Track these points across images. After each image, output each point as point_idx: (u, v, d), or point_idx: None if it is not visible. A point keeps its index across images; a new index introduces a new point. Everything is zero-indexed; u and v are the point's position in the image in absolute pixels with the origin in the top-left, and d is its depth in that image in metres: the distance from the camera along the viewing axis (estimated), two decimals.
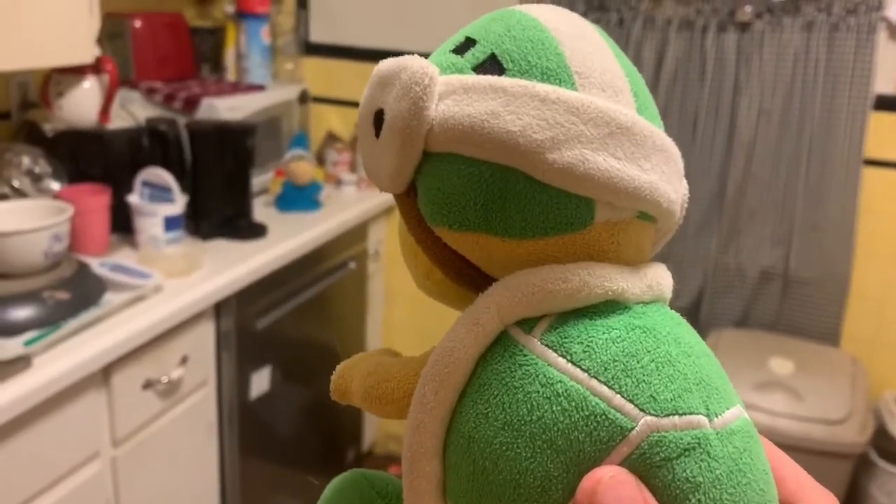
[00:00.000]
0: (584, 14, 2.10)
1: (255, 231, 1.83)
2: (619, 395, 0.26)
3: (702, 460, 0.25)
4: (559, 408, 0.26)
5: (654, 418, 0.25)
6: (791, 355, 1.96)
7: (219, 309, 1.63)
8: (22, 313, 1.30)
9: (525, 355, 0.27)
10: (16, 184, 1.65)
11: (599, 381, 0.26)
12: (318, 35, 2.38)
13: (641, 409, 0.25)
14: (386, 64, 0.30)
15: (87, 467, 1.35)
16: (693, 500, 0.25)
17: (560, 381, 0.26)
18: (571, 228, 0.28)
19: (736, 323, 2.18)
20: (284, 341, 1.92)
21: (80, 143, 1.70)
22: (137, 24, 2.01)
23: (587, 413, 0.25)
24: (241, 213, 1.84)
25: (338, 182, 2.30)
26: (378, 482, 0.37)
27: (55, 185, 1.67)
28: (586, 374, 0.26)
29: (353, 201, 2.22)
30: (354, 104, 2.39)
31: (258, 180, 2.01)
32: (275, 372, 1.85)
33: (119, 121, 1.77)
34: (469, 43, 0.31)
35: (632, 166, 0.29)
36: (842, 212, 2.02)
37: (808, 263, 2.08)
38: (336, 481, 0.38)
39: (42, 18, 1.49)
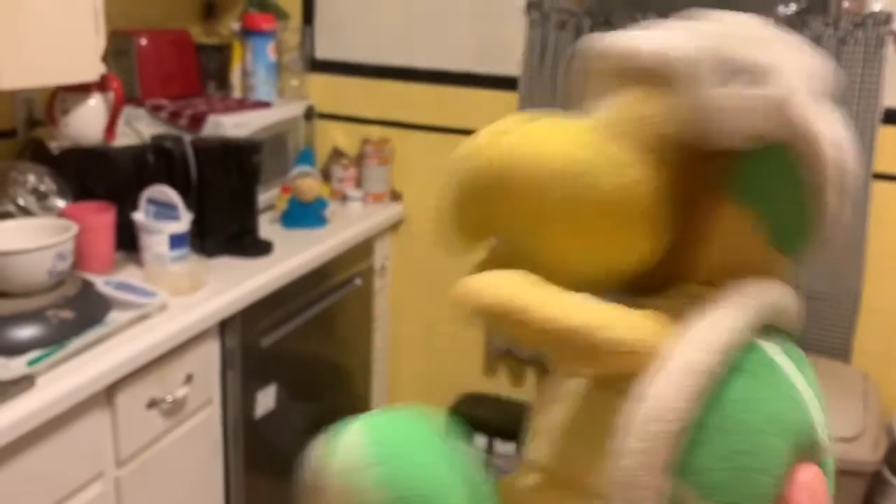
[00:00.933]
0: (591, 29, 2.09)
1: (261, 248, 1.82)
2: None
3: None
4: (800, 411, 0.29)
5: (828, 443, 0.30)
6: None
7: (224, 327, 1.62)
8: (26, 333, 1.29)
9: (769, 356, 0.30)
10: (21, 202, 1.65)
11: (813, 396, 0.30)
12: (323, 52, 2.38)
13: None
14: (768, 32, 0.32)
15: (91, 487, 1.34)
16: None
17: (794, 387, 0.29)
18: (801, 253, 0.33)
19: None
20: (290, 359, 1.91)
21: (85, 160, 1.70)
22: (143, 41, 2.01)
23: (809, 421, 0.29)
24: (247, 230, 1.84)
25: (343, 198, 2.30)
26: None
27: (60, 203, 1.67)
28: (806, 388, 0.30)
29: (358, 217, 2.21)
30: (360, 120, 2.39)
31: (264, 197, 2.00)
32: (280, 390, 1.83)
33: (124, 138, 1.77)
34: None
35: None
36: (852, 226, 2.00)
37: (818, 279, 2.06)
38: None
39: (48, 37, 1.49)
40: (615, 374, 0.28)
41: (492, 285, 0.34)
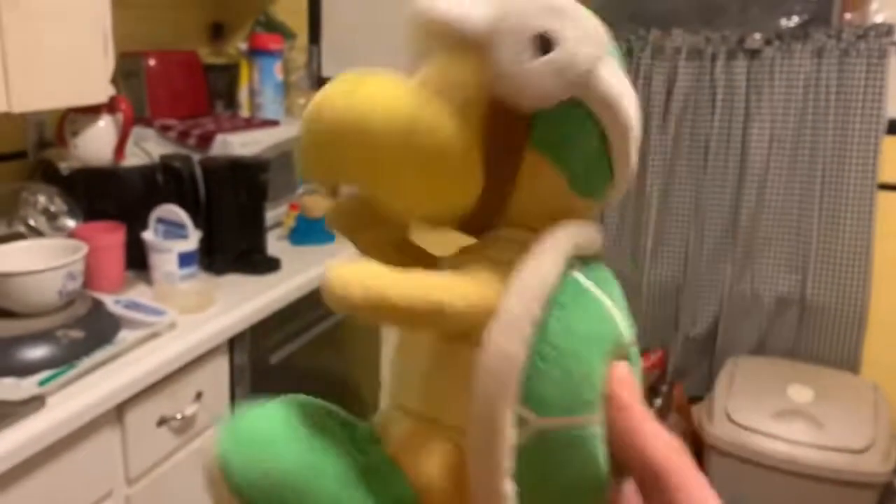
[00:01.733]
0: None
1: (269, 265, 1.84)
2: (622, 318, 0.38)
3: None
4: (609, 324, 0.36)
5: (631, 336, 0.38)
6: (810, 382, 1.94)
7: (233, 344, 1.63)
8: (36, 353, 1.30)
9: (581, 284, 0.36)
10: (32, 222, 1.67)
11: (617, 308, 0.37)
12: (329, 70, 2.41)
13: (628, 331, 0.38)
14: (561, 1, 0.36)
15: None
16: None
17: (603, 306, 0.37)
18: (603, 196, 0.39)
19: (752, 350, 2.16)
20: (299, 375, 1.92)
21: (95, 180, 1.72)
22: (152, 62, 2.04)
23: (617, 330, 0.37)
24: (255, 248, 1.85)
25: None
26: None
27: (71, 223, 1.69)
28: (612, 304, 0.37)
29: None
30: None
31: (271, 214, 2.02)
32: None
33: (134, 158, 1.79)
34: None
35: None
36: (857, 236, 2.00)
37: (824, 289, 2.06)
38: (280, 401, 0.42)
39: (58, 60, 1.51)
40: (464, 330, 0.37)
41: (355, 282, 0.37)
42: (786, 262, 2.09)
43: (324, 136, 0.38)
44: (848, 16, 1.99)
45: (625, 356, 0.37)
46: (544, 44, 0.35)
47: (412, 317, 0.36)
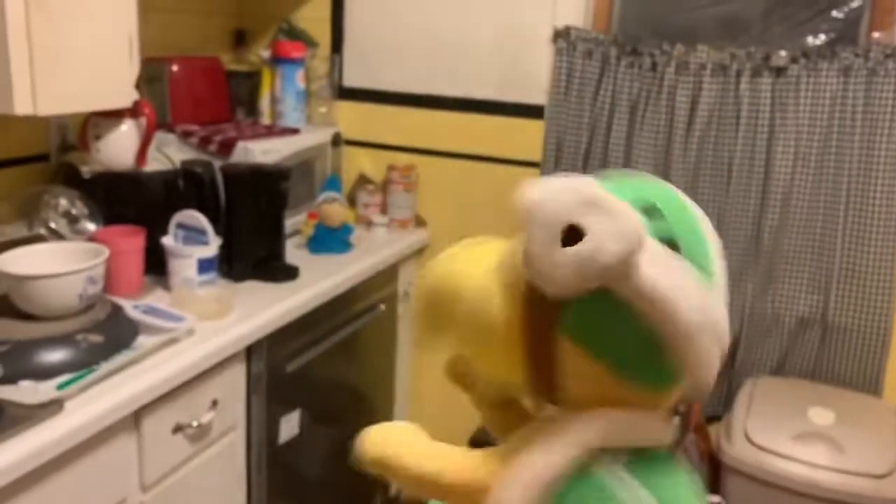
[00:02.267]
0: (618, 58, 2.10)
1: (288, 273, 1.83)
2: None
3: None
4: None
5: None
6: (831, 405, 1.91)
7: (250, 352, 1.63)
8: (56, 356, 1.30)
9: (605, 486, 0.35)
10: (53, 225, 1.67)
11: None
12: (351, 79, 2.41)
13: None
14: (599, 194, 0.37)
15: None
16: None
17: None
18: (668, 387, 0.35)
19: (772, 370, 2.13)
20: (314, 384, 1.91)
21: (116, 185, 1.72)
22: (175, 68, 2.04)
23: None
24: (274, 256, 1.85)
25: (369, 224, 2.31)
26: None
27: (91, 227, 1.69)
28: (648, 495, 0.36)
29: (383, 243, 2.22)
30: (386, 147, 2.40)
31: (290, 222, 2.02)
32: (304, 415, 1.83)
33: (155, 163, 1.79)
34: (654, 211, 0.41)
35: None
36: (881, 258, 1.98)
37: (847, 310, 2.04)
38: None
39: (84, 64, 1.51)
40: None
41: (373, 443, 0.44)
42: (808, 282, 2.07)
43: (420, 299, 0.42)
44: (876, 35, 1.97)
45: None
46: (573, 236, 0.35)
47: (413, 481, 0.41)
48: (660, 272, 0.36)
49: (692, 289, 0.36)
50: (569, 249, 0.36)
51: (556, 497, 0.34)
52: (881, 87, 1.92)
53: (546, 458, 0.35)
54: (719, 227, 2.10)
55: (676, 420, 0.36)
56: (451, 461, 0.38)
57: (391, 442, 0.42)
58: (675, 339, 0.36)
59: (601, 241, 0.35)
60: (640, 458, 0.35)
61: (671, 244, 0.36)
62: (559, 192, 0.37)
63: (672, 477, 0.36)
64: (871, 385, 2.03)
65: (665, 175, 2.12)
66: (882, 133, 1.93)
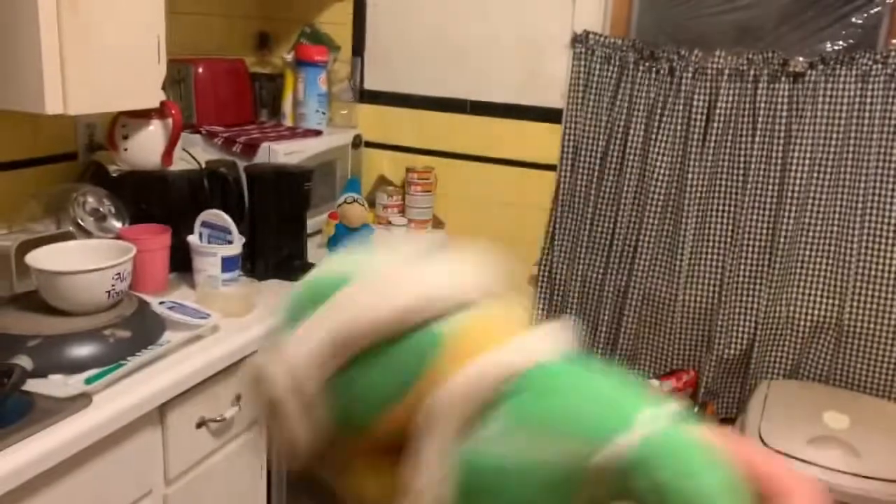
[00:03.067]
0: (636, 63, 2.11)
1: (309, 272, 1.85)
2: None
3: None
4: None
5: None
6: (846, 409, 1.92)
7: None
8: (84, 351, 1.32)
9: None
10: (80, 222, 1.70)
11: None
12: (372, 83, 2.43)
13: None
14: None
15: None
16: None
17: None
18: None
19: (787, 374, 2.14)
20: None
21: (143, 184, 1.75)
22: (200, 70, 2.07)
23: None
24: (296, 255, 1.87)
25: (388, 224, 2.33)
26: None
27: (118, 225, 1.72)
28: None
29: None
30: (406, 149, 2.43)
31: (312, 222, 2.04)
32: None
33: (181, 163, 1.82)
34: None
35: None
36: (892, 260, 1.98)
37: (862, 314, 2.04)
38: None
39: (113, 65, 1.55)
40: None
41: None
42: (823, 287, 2.08)
43: None
44: (895, 41, 1.98)
45: None
46: None
47: None
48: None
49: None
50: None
51: None
52: None
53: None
54: (734, 230, 2.11)
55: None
56: None
57: None
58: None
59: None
60: None
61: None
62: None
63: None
64: (886, 389, 2.04)
65: (681, 179, 2.13)
66: None
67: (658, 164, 2.13)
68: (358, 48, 2.43)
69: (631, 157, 2.17)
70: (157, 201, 1.75)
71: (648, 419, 0.33)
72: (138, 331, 1.41)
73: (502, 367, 0.36)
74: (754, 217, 2.10)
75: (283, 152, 1.96)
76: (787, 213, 2.05)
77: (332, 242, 2.08)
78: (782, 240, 2.07)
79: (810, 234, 2.06)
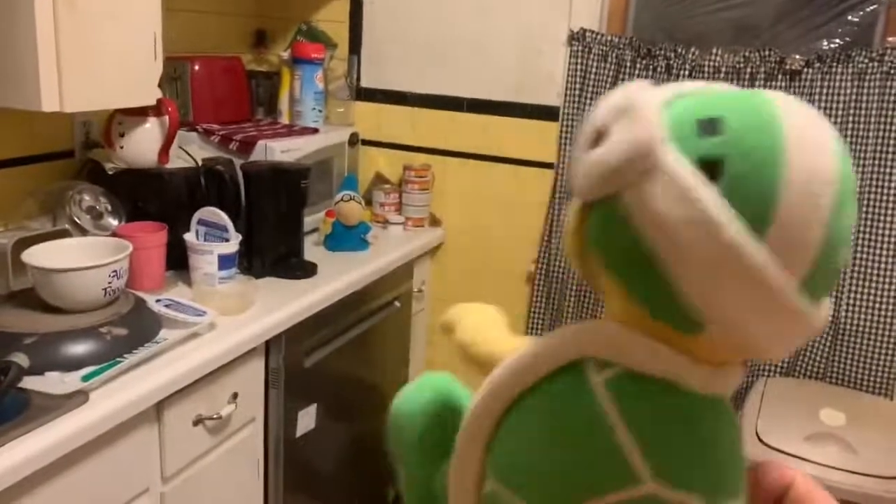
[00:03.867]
0: (633, 61, 2.12)
1: (306, 270, 1.86)
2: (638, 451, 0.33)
3: None
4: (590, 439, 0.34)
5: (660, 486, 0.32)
6: (842, 406, 1.92)
7: (268, 346, 1.65)
8: (81, 348, 1.32)
9: (587, 390, 0.34)
10: (77, 220, 1.70)
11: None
12: (368, 80, 2.43)
13: (656, 474, 0.32)
14: (637, 99, 0.33)
15: (137, 502, 1.36)
16: None
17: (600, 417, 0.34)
18: (682, 330, 0.33)
19: (783, 372, 2.15)
20: (331, 379, 1.94)
21: (139, 181, 1.75)
22: (197, 67, 2.07)
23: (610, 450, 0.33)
24: (293, 253, 1.87)
25: (385, 222, 2.33)
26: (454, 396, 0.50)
27: (114, 222, 1.72)
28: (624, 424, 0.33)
29: (399, 241, 2.24)
30: (402, 147, 2.43)
31: (309, 220, 2.04)
32: (321, 409, 1.86)
33: (177, 161, 1.82)
34: (714, 127, 0.32)
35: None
36: (894, 259, 1.99)
37: (859, 312, 2.04)
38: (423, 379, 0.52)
39: (110, 62, 1.55)
40: None
41: (458, 319, 0.49)
42: None
43: None
44: (891, 39, 1.98)
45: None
46: (599, 140, 0.34)
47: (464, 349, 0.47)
48: (670, 196, 0.31)
49: (706, 224, 0.30)
50: (589, 153, 0.35)
51: (541, 383, 0.37)
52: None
53: (537, 347, 0.37)
54: None
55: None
56: (482, 340, 0.45)
57: (460, 312, 0.51)
58: (685, 278, 0.31)
59: (609, 148, 0.33)
60: (635, 382, 0.34)
61: (713, 166, 0.30)
62: (611, 97, 0.36)
63: (659, 406, 0.34)
64: (883, 387, 2.04)
65: None
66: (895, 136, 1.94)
67: None
68: (355, 46, 2.42)
69: None
70: (154, 199, 1.75)
71: None
72: (135, 328, 1.41)
73: None
74: None
75: (280, 150, 1.96)
76: None
77: (329, 240, 2.08)
78: None
79: None
